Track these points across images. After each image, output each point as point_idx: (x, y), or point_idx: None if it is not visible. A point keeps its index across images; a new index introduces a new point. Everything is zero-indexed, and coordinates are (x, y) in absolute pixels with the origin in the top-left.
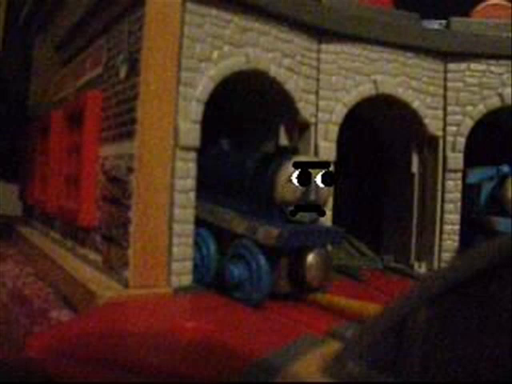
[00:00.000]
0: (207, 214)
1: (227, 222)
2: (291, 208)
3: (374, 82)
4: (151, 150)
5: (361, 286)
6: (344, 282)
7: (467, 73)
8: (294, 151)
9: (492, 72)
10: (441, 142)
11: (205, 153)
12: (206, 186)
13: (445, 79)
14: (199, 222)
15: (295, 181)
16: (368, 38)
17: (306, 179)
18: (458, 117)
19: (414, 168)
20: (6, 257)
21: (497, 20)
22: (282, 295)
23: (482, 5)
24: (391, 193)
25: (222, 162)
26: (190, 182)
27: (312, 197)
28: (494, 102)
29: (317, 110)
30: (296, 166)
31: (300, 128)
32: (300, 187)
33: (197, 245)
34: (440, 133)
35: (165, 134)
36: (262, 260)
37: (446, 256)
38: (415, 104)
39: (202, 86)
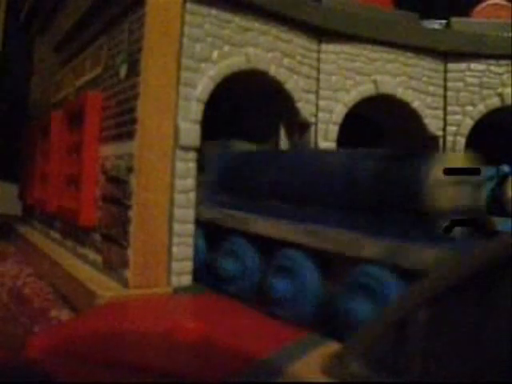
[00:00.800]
0: (302, 235)
1: (340, 244)
2: (447, 219)
3: (374, 81)
4: (151, 149)
5: None
6: None
7: (467, 73)
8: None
9: (492, 72)
10: (441, 141)
11: (268, 156)
12: (278, 198)
13: (445, 79)
14: (289, 245)
15: (454, 184)
16: (368, 37)
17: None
18: (458, 117)
19: None
20: (6, 256)
21: (497, 20)
22: None
23: (482, 5)
24: None
25: (310, 165)
26: (190, 182)
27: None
28: (494, 102)
29: (317, 109)
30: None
31: (300, 128)
32: (462, 192)
33: (294, 275)
34: (440, 133)
35: (165, 134)
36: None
37: None
38: (415, 104)
39: (202, 85)
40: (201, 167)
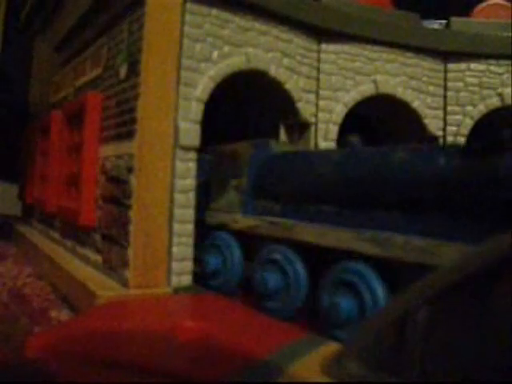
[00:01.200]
0: (366, 244)
1: (412, 252)
2: None
3: (374, 81)
4: (151, 149)
5: None
6: None
7: (467, 73)
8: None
9: (492, 72)
10: (441, 141)
11: (318, 156)
12: (331, 202)
13: (445, 79)
14: (349, 256)
15: None
16: (368, 37)
17: None
18: (458, 117)
19: None
20: (6, 256)
21: (497, 20)
22: None
23: (482, 5)
24: None
25: (381, 165)
26: (190, 182)
27: None
28: (494, 102)
29: (317, 109)
30: None
31: (300, 128)
32: None
33: (360, 293)
34: (440, 133)
35: (165, 134)
36: None
37: None
38: (415, 104)
39: (202, 85)
40: (232, 171)
